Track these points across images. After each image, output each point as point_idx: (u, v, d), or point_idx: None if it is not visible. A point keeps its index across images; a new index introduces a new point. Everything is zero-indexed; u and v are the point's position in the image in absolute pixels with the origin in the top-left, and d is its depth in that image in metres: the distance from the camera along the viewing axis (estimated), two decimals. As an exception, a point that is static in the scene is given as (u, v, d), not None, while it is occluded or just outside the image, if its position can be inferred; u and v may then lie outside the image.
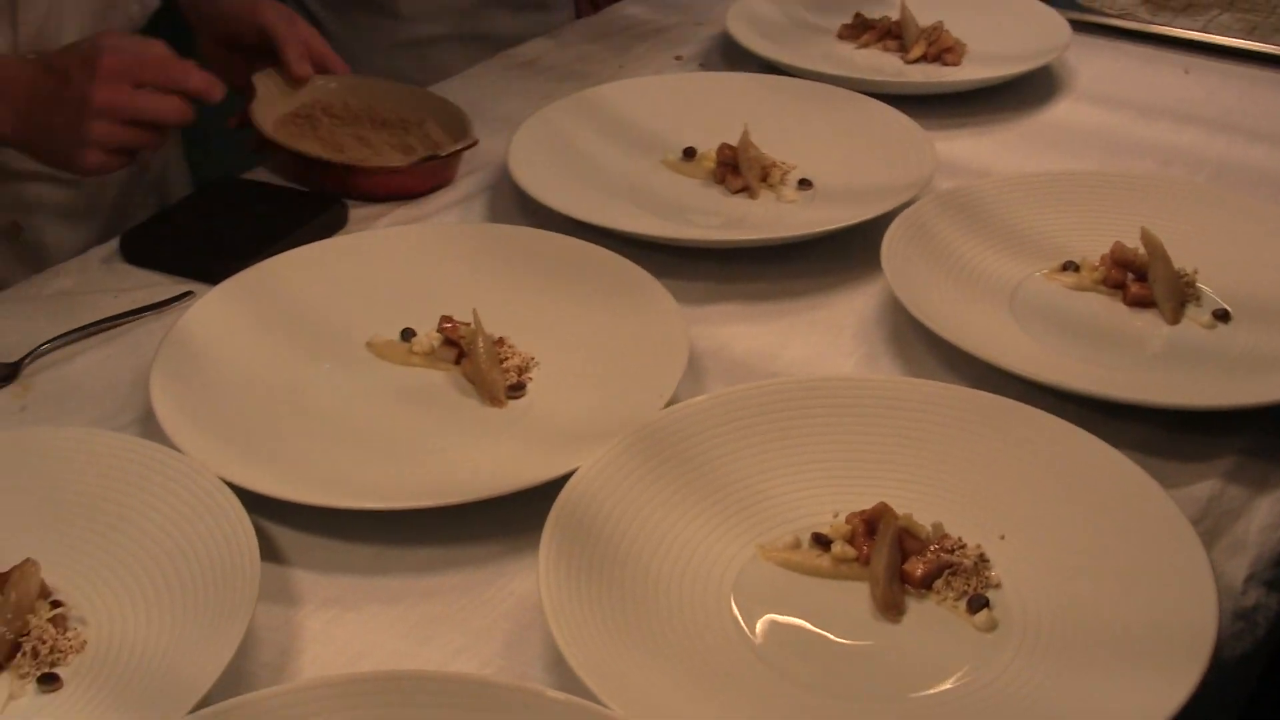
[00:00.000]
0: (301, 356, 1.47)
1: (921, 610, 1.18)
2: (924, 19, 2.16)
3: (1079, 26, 2.23)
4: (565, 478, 1.22)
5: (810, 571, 1.21)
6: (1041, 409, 1.30)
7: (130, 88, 1.60)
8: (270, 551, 1.25)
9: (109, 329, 1.54)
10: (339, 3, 2.41)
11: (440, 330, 1.46)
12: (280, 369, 1.45)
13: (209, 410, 1.36)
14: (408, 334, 1.49)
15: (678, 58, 2.20)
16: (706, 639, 1.15)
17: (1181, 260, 1.55)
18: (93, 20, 1.83)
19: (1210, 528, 1.27)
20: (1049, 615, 1.15)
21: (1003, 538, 1.22)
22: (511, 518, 1.24)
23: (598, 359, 1.44)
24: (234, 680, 1.11)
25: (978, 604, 1.16)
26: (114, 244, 1.69)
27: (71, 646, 1.14)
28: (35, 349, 1.49)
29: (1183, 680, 1.04)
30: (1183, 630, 1.09)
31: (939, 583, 1.18)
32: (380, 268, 1.58)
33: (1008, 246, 1.61)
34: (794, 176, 1.78)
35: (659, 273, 1.53)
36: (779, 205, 1.74)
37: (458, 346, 1.45)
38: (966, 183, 1.70)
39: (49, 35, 1.78)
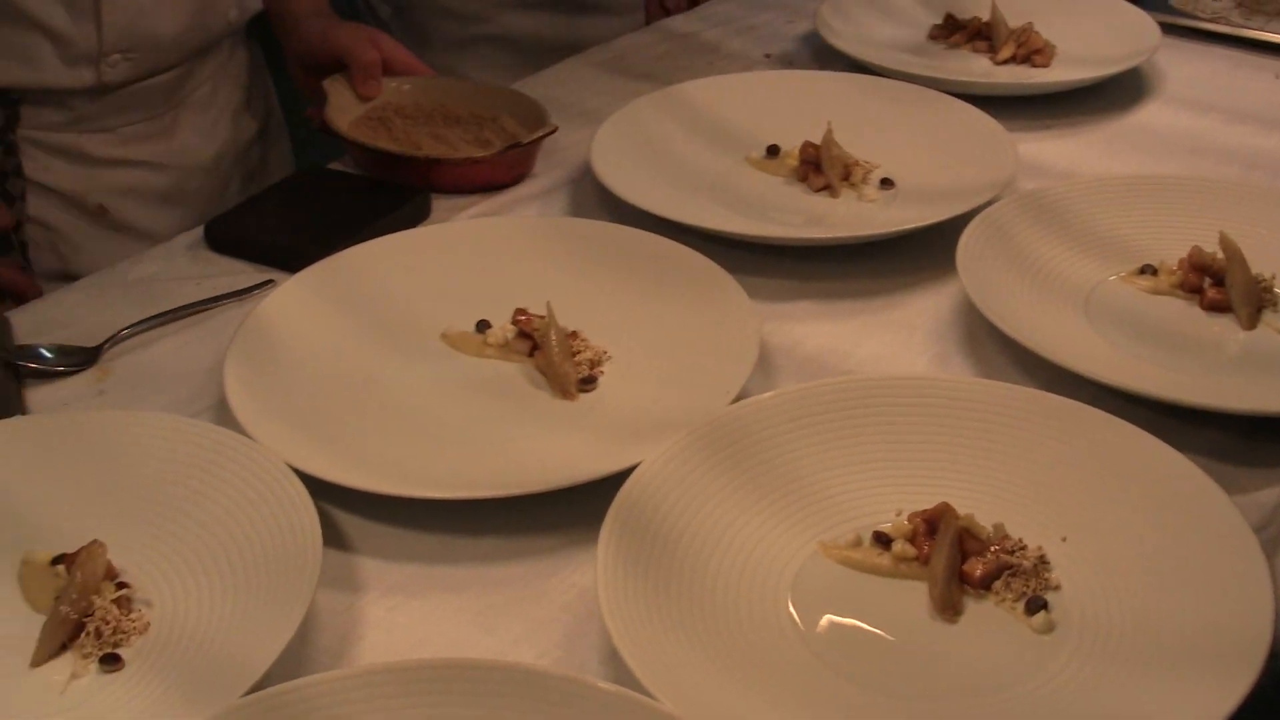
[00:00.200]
0: (376, 346, 1.46)
1: (980, 611, 1.16)
2: (1014, 20, 2.13)
3: (1170, 29, 2.19)
4: (630, 471, 1.22)
5: (870, 570, 1.20)
6: (1111, 412, 1.28)
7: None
8: (337, 539, 1.25)
9: (190, 315, 1.55)
10: (402, 5, 2.42)
11: (515, 323, 1.46)
12: (355, 358, 1.44)
13: (282, 397, 1.36)
14: (483, 326, 1.48)
15: (767, 55, 2.18)
16: (762, 635, 1.14)
17: (1259, 266, 1.52)
18: (187, 20, 1.84)
19: (1275, 534, 1.25)
20: (1106, 618, 1.14)
21: (1064, 540, 1.20)
22: (577, 510, 1.23)
23: (669, 354, 1.43)
24: (294, 664, 1.11)
25: (1035, 606, 1.14)
26: (199, 231, 1.69)
27: (135, 628, 1.14)
28: (115, 334, 1.49)
29: (1235, 686, 1.02)
30: (1238, 635, 1.06)
31: (998, 583, 1.17)
32: (458, 260, 1.57)
33: (1085, 249, 1.59)
34: (876, 176, 1.77)
35: (738, 269, 1.52)
36: (860, 204, 1.73)
37: (531, 339, 1.44)
38: (1046, 184, 1.68)
39: (139, 35, 1.80)
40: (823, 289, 1.59)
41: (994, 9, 2.12)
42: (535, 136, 1.79)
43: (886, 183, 1.75)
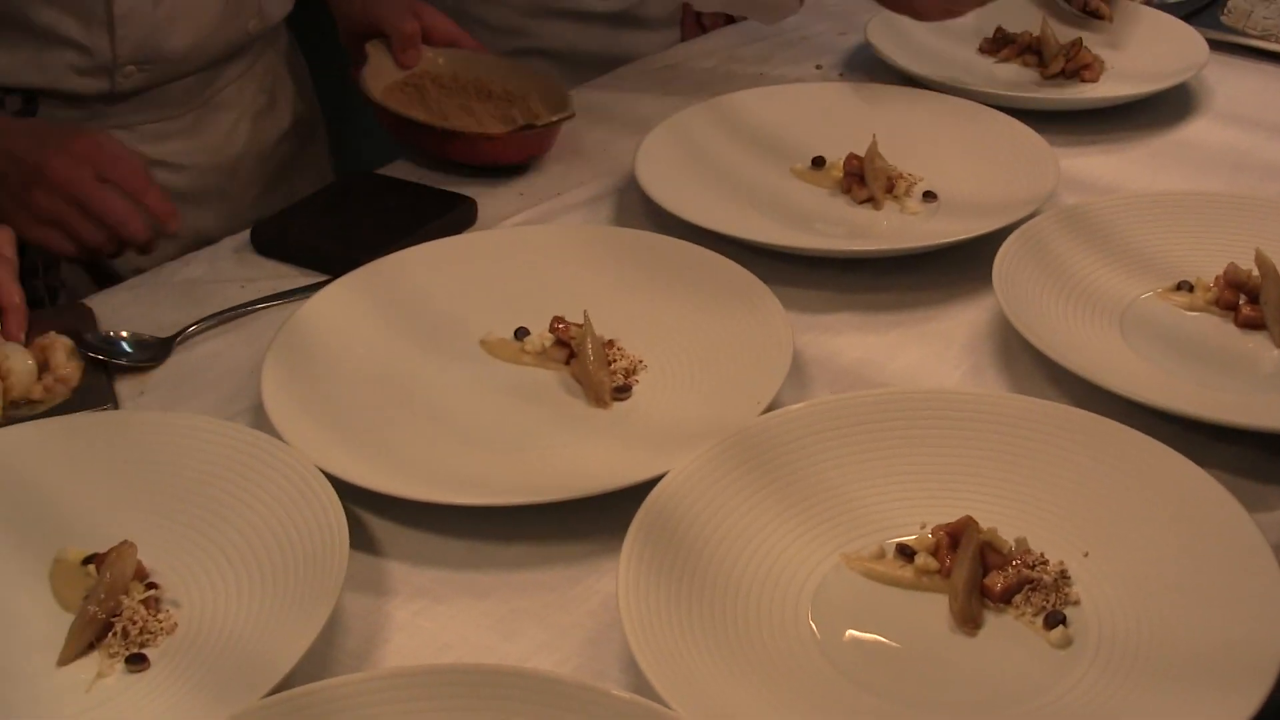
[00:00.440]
0: (415, 351, 1.46)
1: (999, 624, 1.15)
2: (1064, 35, 2.11)
3: (1219, 46, 2.17)
4: (658, 479, 1.21)
5: (892, 582, 1.19)
6: (1141, 428, 1.27)
7: (92, 175, 1.58)
8: (365, 542, 1.25)
9: (236, 318, 1.55)
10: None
11: (552, 330, 1.45)
12: (393, 362, 1.44)
13: (318, 400, 1.36)
14: (521, 333, 1.48)
15: (818, 67, 2.17)
16: (782, 645, 1.13)
17: (1293, 284, 1.50)
18: (205, 33, 1.84)
19: (1296, 550, 1.23)
20: (1123, 634, 1.12)
21: (1086, 555, 1.19)
22: (605, 517, 1.22)
23: (704, 364, 1.42)
24: (319, 666, 1.11)
25: (1054, 620, 1.13)
26: (246, 234, 1.69)
27: (162, 628, 1.14)
28: (184, 330, 1.51)
29: (1247, 702, 1.01)
30: (1251, 652, 1.05)
31: (1018, 597, 1.16)
32: (499, 267, 1.56)
33: (1122, 264, 1.57)
34: (919, 189, 1.75)
35: (779, 280, 1.51)
36: (902, 217, 1.71)
37: (568, 347, 1.43)
38: (1086, 200, 1.66)
39: (154, 48, 1.80)
40: (862, 300, 1.57)
41: (1044, 24, 2.10)
42: (550, 121, 1.78)
43: (929, 195, 1.74)
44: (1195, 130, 1.99)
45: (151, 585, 1.17)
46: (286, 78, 2.08)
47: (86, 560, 1.18)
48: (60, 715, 1.08)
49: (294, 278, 1.61)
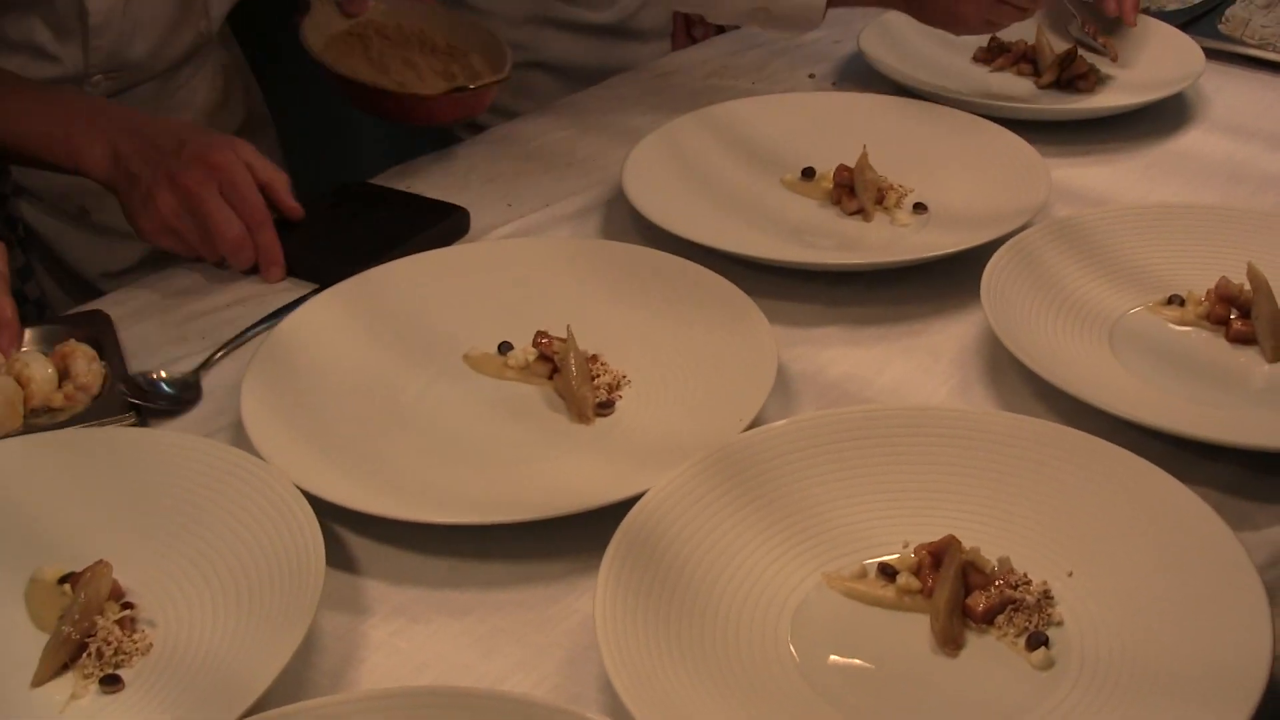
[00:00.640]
0: (398, 366, 1.45)
1: (981, 645, 1.14)
2: (1059, 45, 2.10)
3: (1216, 55, 2.16)
4: (639, 497, 1.20)
5: (874, 602, 1.18)
6: (1128, 444, 1.26)
7: (216, 188, 1.58)
8: (343, 560, 1.24)
9: (225, 332, 1.55)
10: None
11: (535, 345, 1.44)
12: (375, 377, 1.43)
13: (298, 416, 1.35)
14: (505, 347, 1.47)
15: (811, 75, 2.16)
16: (762, 667, 1.12)
17: (1285, 299, 1.49)
18: (165, 36, 1.84)
19: (1284, 571, 1.22)
20: (1106, 655, 1.11)
21: (1070, 575, 1.18)
22: (586, 534, 1.21)
23: (688, 379, 1.41)
24: (295, 686, 1.10)
25: (1036, 642, 1.12)
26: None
27: (137, 649, 1.13)
28: (209, 359, 1.50)
29: (1229, 724, 0.99)
30: (1235, 676, 1.04)
31: (1001, 618, 1.15)
32: (484, 280, 1.56)
33: (1113, 278, 1.56)
34: (910, 200, 1.74)
35: (767, 293, 1.51)
36: (892, 229, 1.70)
37: (552, 362, 1.42)
38: (1077, 212, 1.65)
39: (122, 56, 1.79)
40: (850, 314, 1.56)
41: (1039, 33, 2.09)
42: (480, 84, 1.77)
43: (920, 207, 1.73)
44: (1191, 140, 1.98)
45: (127, 605, 1.16)
46: (235, 75, 2.07)
47: (63, 579, 1.18)
48: (33, 736, 1.07)
49: (283, 290, 1.61)
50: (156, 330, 1.55)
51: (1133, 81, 2.06)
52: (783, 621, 1.16)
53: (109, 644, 1.12)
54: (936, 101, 1.95)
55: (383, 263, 1.57)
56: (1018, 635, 1.14)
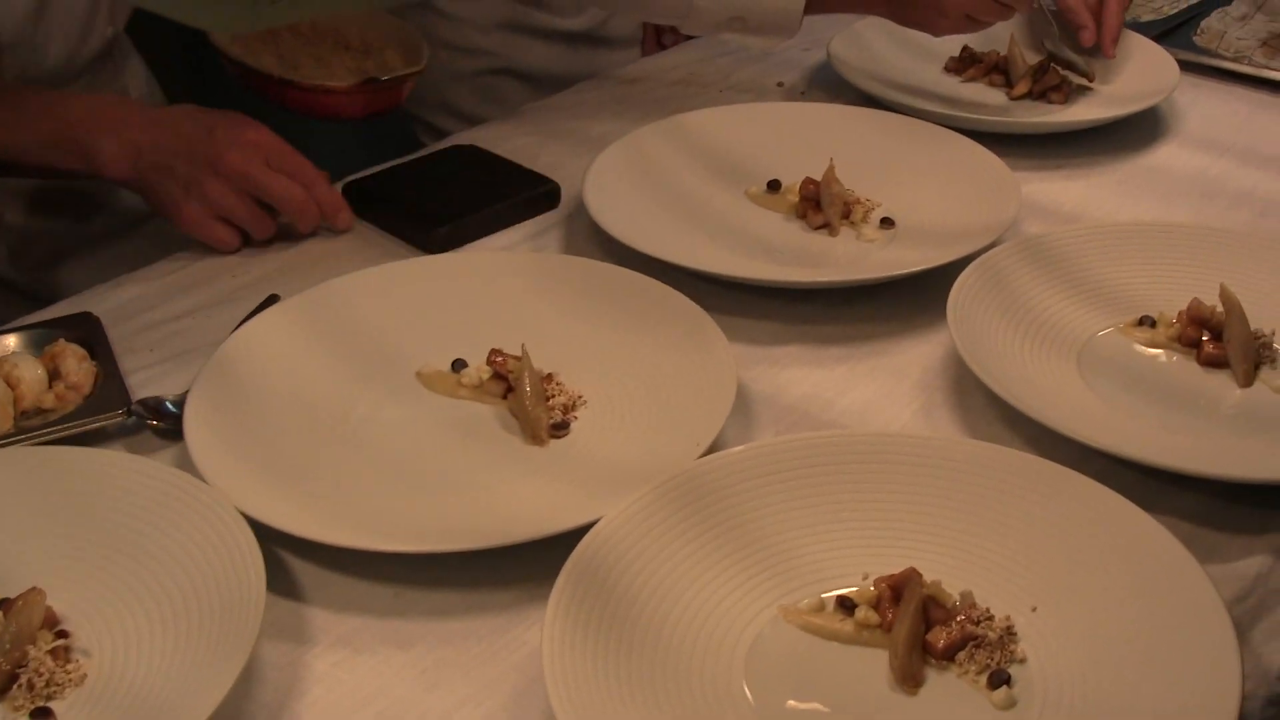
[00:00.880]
0: (349, 384, 1.41)
1: (942, 682, 1.11)
2: (1032, 56, 2.07)
3: (1191, 68, 2.13)
4: (591, 525, 1.17)
5: (831, 636, 1.14)
6: (1096, 470, 1.23)
7: (263, 163, 1.59)
8: (287, 587, 1.21)
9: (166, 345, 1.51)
10: None
11: (490, 363, 1.41)
12: (326, 396, 1.40)
13: (244, 436, 1.32)
14: (459, 365, 1.43)
15: (780, 84, 2.13)
16: (714, 703, 1.08)
17: (1260, 320, 1.46)
18: (73, 46, 1.81)
19: (1253, 607, 1.19)
20: (1069, 695, 1.08)
21: (1035, 610, 1.15)
22: (537, 562, 1.18)
23: (646, 400, 1.38)
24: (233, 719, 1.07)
25: (998, 680, 1.09)
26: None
27: (70, 680, 1.09)
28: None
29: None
30: (1203, 716, 1.01)
31: (962, 654, 1.11)
32: (439, 294, 1.52)
33: (1083, 298, 1.53)
34: (877, 214, 1.71)
35: (727, 309, 1.48)
36: (858, 244, 1.67)
37: (506, 381, 1.39)
38: (1048, 229, 1.62)
39: (35, 64, 1.76)
40: (812, 333, 1.53)
41: (1012, 43, 2.06)
42: (391, 76, 1.73)
43: (887, 222, 1.69)
44: (1164, 155, 1.95)
45: (61, 634, 1.13)
46: (137, 77, 2.03)
47: (-3, 608, 1.14)
48: (-43, 772, 1.03)
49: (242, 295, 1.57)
50: (142, 332, 1.53)
51: (1106, 95, 2.03)
52: (737, 656, 1.12)
53: (40, 675, 1.09)
54: (906, 113, 1.91)
55: (465, 224, 1.69)
56: (979, 673, 1.11)
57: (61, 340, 1.41)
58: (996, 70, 2.08)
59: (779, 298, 1.57)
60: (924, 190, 1.75)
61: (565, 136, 1.90)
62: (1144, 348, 1.49)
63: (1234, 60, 2.18)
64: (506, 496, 1.29)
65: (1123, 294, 1.55)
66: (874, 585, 1.16)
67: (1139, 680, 1.07)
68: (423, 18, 2.32)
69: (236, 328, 1.46)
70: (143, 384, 1.44)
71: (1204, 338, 1.47)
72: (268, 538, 1.18)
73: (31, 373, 1.36)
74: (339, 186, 1.72)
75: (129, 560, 1.18)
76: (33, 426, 1.33)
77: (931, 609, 1.13)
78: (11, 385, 1.35)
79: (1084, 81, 2.05)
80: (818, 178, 1.70)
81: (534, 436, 1.35)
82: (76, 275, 1.83)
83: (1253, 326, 1.44)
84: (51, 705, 1.08)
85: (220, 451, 1.28)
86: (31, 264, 1.88)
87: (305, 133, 2.00)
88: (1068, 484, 1.21)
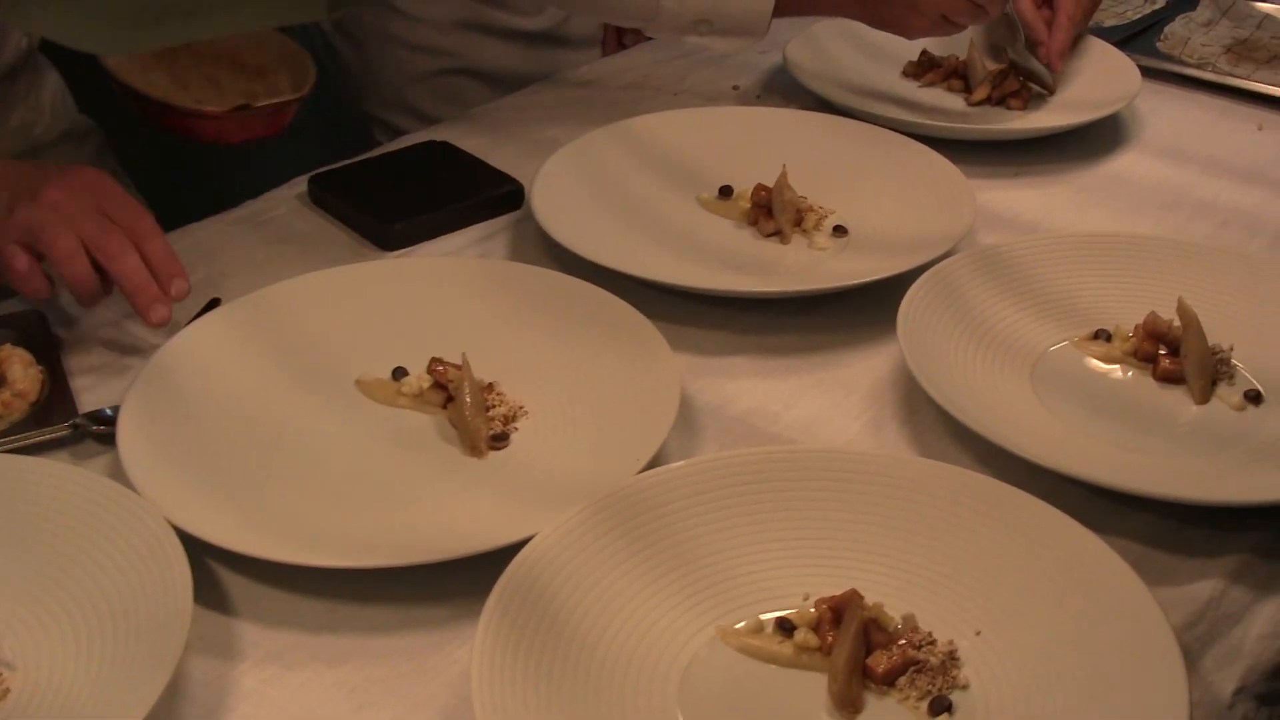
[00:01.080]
0: (289, 392, 1.39)
1: (882, 708, 1.09)
2: (994, 61, 2.06)
3: (1153, 74, 2.12)
4: (527, 542, 1.14)
5: (769, 659, 1.12)
6: (1047, 488, 1.22)
7: (93, 206, 1.42)
8: (218, 600, 1.19)
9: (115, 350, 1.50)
10: (356, 35, 2.38)
11: (430, 372, 1.39)
12: (264, 404, 1.37)
13: (179, 445, 1.30)
14: (399, 373, 1.41)
15: (735, 87, 2.10)
16: (647, 727, 1.06)
17: (1219, 335, 1.45)
18: None
19: (1204, 633, 1.18)
20: (1012, 721, 1.06)
21: (979, 634, 1.13)
22: (472, 577, 1.15)
23: (588, 412, 1.36)
24: (157, 738, 1.04)
25: (939, 707, 1.07)
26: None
27: (-7, 694, 1.07)
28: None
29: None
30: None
31: (903, 680, 1.09)
32: (381, 300, 1.50)
33: (1038, 310, 1.51)
34: (830, 222, 1.69)
35: (674, 317, 1.47)
36: (810, 253, 1.65)
37: (446, 390, 1.37)
38: (1003, 240, 1.60)
39: None
40: (761, 342, 1.51)
41: (971, 48, 2.04)
42: (267, 103, 1.70)
43: (840, 230, 1.67)
44: (1125, 164, 1.93)
45: (-12, 648, 1.10)
46: (53, 91, 1.99)
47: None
48: None
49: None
50: (91, 330, 1.51)
51: (1066, 101, 2.01)
52: (672, 679, 1.10)
53: (-38, 690, 1.06)
54: (862, 118, 1.89)
55: (422, 222, 1.69)
56: (920, 699, 1.09)
57: (8, 345, 1.39)
58: (955, 75, 2.05)
59: (728, 306, 1.55)
60: (878, 198, 1.73)
61: (517, 138, 1.88)
62: (1099, 362, 1.48)
63: (1197, 67, 2.16)
64: (443, 510, 1.27)
65: (1079, 306, 1.53)
66: (814, 607, 1.14)
67: (1084, 708, 1.05)
68: (380, 16, 2.30)
69: (175, 333, 1.44)
70: (91, 386, 1.43)
71: (1161, 352, 1.45)
72: (200, 550, 1.16)
73: (-25, 381, 1.33)
74: (304, 181, 1.72)
75: (56, 571, 1.16)
76: (-26, 438, 1.30)
77: (872, 632, 1.11)
78: (-50, 394, 1.32)
79: (1044, 92, 2.02)
80: (770, 184, 1.67)
81: (473, 448, 1.33)
82: None
83: (1211, 342, 1.42)
84: (-30, 723, 1.06)
85: (153, 461, 1.26)
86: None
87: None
88: (1015, 504, 1.19)
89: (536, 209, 1.63)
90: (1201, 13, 2.33)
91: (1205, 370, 1.42)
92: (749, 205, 1.71)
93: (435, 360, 1.40)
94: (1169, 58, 2.19)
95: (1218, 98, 2.12)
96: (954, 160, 1.77)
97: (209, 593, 1.18)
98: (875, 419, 1.41)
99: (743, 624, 1.15)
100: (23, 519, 1.20)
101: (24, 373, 1.37)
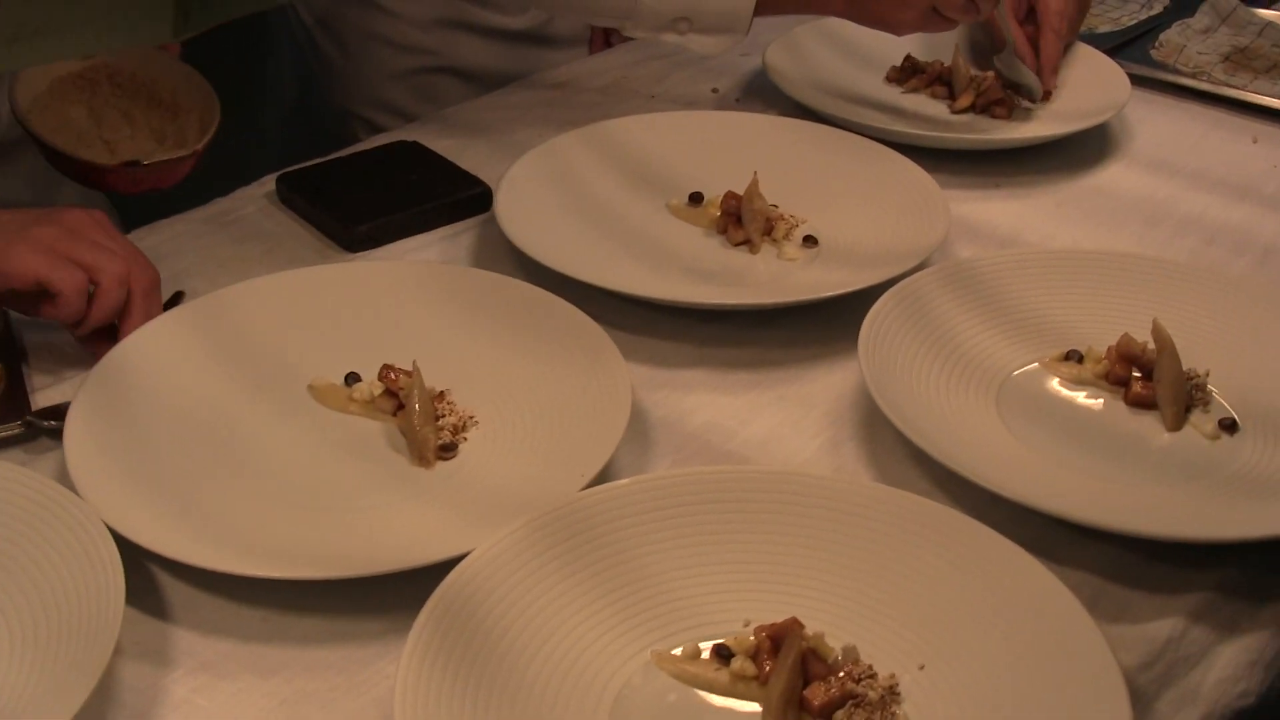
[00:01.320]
0: (238, 396, 1.40)
1: (818, 742, 1.08)
2: (978, 68, 2.05)
3: (1146, 83, 2.11)
4: (464, 557, 1.15)
5: (704, 686, 1.12)
6: (1006, 515, 1.22)
7: (89, 239, 1.42)
8: (155, 606, 1.20)
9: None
10: (338, 32, 2.37)
11: (381, 379, 1.39)
12: (214, 407, 1.38)
13: (126, 446, 1.30)
14: (352, 379, 1.42)
15: (714, 90, 2.10)
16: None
17: (1195, 359, 1.44)
18: None
19: (1161, 673, 1.16)
20: (950, 763, 1.05)
21: (922, 668, 1.12)
22: (410, 591, 1.15)
23: (536, 425, 1.36)
24: (84, 745, 1.05)
25: (874, 742, 1.06)
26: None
27: (-80, 696, 1.08)
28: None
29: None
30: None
31: (840, 713, 1.09)
32: (337, 304, 1.50)
33: (1008, 329, 1.50)
34: (801, 232, 1.69)
35: (635, 328, 1.48)
36: (778, 263, 1.64)
37: (397, 397, 1.37)
38: (978, 253, 1.60)
39: None
40: (721, 355, 1.51)
41: (956, 54, 2.03)
42: (155, 160, 1.67)
43: (810, 240, 1.67)
44: (1110, 176, 1.92)
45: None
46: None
47: None
48: None
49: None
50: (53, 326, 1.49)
51: (1051, 110, 2.01)
52: (604, 703, 1.10)
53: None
54: (841, 125, 1.89)
55: (387, 223, 1.71)
56: (857, 732, 1.07)
57: None
58: (939, 82, 2.05)
59: (688, 317, 1.55)
60: (852, 208, 1.73)
61: (489, 139, 1.88)
62: (1069, 384, 1.46)
63: (1191, 76, 2.15)
64: (385, 521, 1.27)
65: (1051, 326, 1.52)
66: (754, 634, 1.13)
67: (1024, 751, 1.05)
68: (362, 13, 2.30)
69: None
70: (50, 384, 1.44)
71: (1134, 376, 1.44)
72: (141, 554, 1.18)
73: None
74: (273, 180, 1.73)
75: (-1, 572, 1.17)
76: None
77: (811, 663, 1.10)
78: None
79: (1029, 104, 2.01)
80: (740, 191, 1.66)
81: (420, 458, 1.34)
82: None
83: (1187, 366, 1.41)
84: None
85: (98, 462, 1.27)
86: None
87: (243, 124, 1.98)
88: (968, 535, 1.18)
89: (500, 213, 1.63)
90: (1200, 19, 2.32)
91: (1179, 396, 1.41)
92: (719, 213, 1.69)
93: (387, 367, 1.40)
94: (1162, 66, 2.18)
95: (1212, 108, 2.12)
96: (933, 170, 1.77)
97: (147, 598, 1.19)
98: (834, 438, 1.40)
99: (680, 649, 1.14)
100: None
101: (-21, 368, 1.37)
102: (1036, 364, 1.48)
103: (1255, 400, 1.43)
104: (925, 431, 1.32)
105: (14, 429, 1.35)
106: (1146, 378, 1.43)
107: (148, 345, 1.41)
